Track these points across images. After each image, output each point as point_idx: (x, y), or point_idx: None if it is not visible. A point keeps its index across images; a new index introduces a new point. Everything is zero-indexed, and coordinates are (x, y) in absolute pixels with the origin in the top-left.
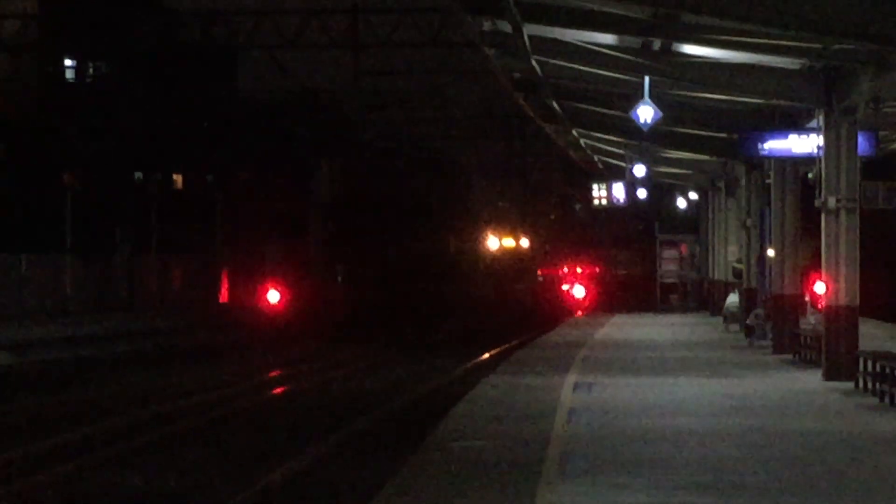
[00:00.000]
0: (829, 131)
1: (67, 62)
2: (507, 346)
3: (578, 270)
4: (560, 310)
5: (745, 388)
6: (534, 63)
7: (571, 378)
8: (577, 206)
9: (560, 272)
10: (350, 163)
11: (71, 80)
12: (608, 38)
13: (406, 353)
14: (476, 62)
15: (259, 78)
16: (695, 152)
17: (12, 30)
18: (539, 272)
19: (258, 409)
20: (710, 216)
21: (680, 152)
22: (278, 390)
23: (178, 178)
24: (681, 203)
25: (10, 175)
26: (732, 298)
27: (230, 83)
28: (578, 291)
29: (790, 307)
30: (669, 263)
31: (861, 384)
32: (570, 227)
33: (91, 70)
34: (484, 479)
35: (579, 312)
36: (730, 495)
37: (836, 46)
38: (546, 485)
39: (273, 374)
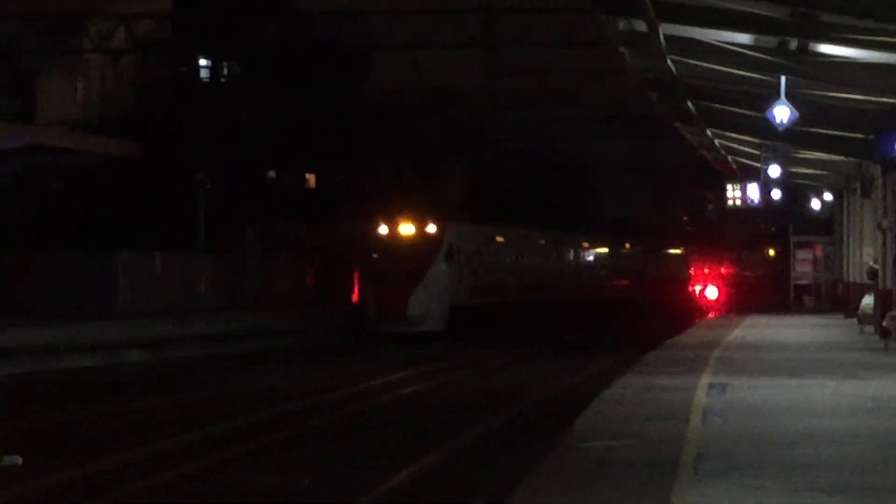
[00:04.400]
0: None
1: (202, 62)
2: (640, 346)
3: (710, 271)
4: (693, 311)
5: (882, 389)
6: (669, 62)
7: (706, 379)
8: (710, 207)
9: (693, 273)
10: (480, 162)
11: (205, 80)
12: (744, 38)
13: (537, 354)
14: (609, 62)
15: (391, 78)
16: (830, 153)
17: (146, 29)
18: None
19: (387, 407)
20: (845, 217)
21: (815, 153)
22: (407, 389)
23: (310, 178)
24: (815, 204)
25: (144, 174)
26: (867, 300)
27: (362, 83)
28: (711, 293)
29: None
30: (803, 265)
31: None
32: (702, 229)
33: (225, 70)
34: (618, 478)
35: (712, 314)
36: (868, 498)
37: None
38: (681, 485)
39: (402, 373)
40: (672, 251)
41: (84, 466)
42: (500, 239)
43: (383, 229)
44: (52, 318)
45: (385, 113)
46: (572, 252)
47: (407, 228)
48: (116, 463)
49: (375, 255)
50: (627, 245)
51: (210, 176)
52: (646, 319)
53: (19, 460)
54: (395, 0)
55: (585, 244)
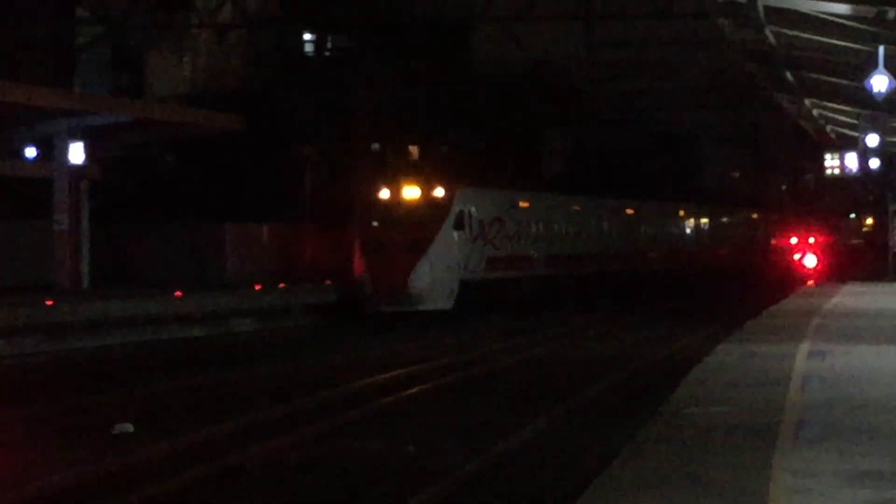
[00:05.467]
0: None
1: (307, 36)
2: (739, 314)
3: (810, 240)
4: (792, 278)
5: None
6: (768, 33)
7: (805, 346)
8: (808, 177)
9: (791, 242)
10: (580, 133)
11: (310, 54)
12: (842, 8)
13: (644, 320)
14: (708, 34)
15: (493, 50)
16: None
17: (254, 5)
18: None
19: (490, 375)
20: None
21: None
22: (509, 359)
23: (413, 150)
24: None
25: (250, 146)
26: None
27: (464, 56)
28: (810, 261)
29: None
30: None
31: None
32: (801, 198)
33: (329, 44)
34: (719, 444)
35: (811, 282)
36: None
37: None
38: (782, 450)
39: (505, 342)
40: (770, 219)
41: (198, 433)
42: (524, 204)
43: (384, 193)
44: (163, 287)
45: (487, 84)
46: (629, 220)
47: (411, 192)
48: (227, 430)
49: (375, 224)
50: (717, 213)
51: (315, 148)
52: (744, 289)
53: (131, 428)
54: None
55: (656, 212)
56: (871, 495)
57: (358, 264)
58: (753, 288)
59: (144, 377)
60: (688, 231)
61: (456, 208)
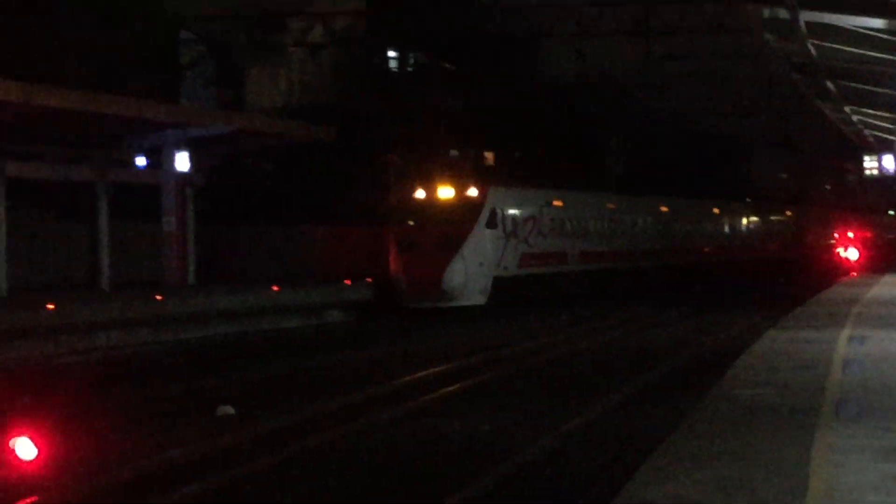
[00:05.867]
0: None
1: (390, 53)
2: (786, 303)
3: (851, 235)
4: (835, 271)
5: None
6: (809, 46)
7: (846, 332)
8: (850, 177)
9: (834, 237)
10: (640, 139)
11: (394, 69)
12: (878, 23)
13: (697, 310)
14: (755, 47)
15: (559, 63)
16: None
17: (343, 26)
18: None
19: (550, 363)
20: None
21: None
22: (576, 346)
23: (489, 155)
24: None
25: (340, 154)
26: None
27: (533, 68)
28: (852, 254)
29: None
30: None
31: None
32: (843, 196)
33: (411, 59)
34: (765, 422)
35: (853, 273)
36: None
37: None
38: (822, 428)
39: (560, 331)
40: (815, 216)
41: (291, 415)
42: (557, 203)
43: (420, 193)
44: (261, 284)
45: (554, 94)
46: (666, 216)
47: (445, 192)
48: (318, 412)
49: (411, 222)
50: (764, 211)
51: (399, 155)
52: (788, 280)
53: (232, 410)
54: None
55: (698, 209)
56: None
57: (393, 262)
58: (799, 279)
59: (245, 364)
60: (736, 228)
61: (489, 207)
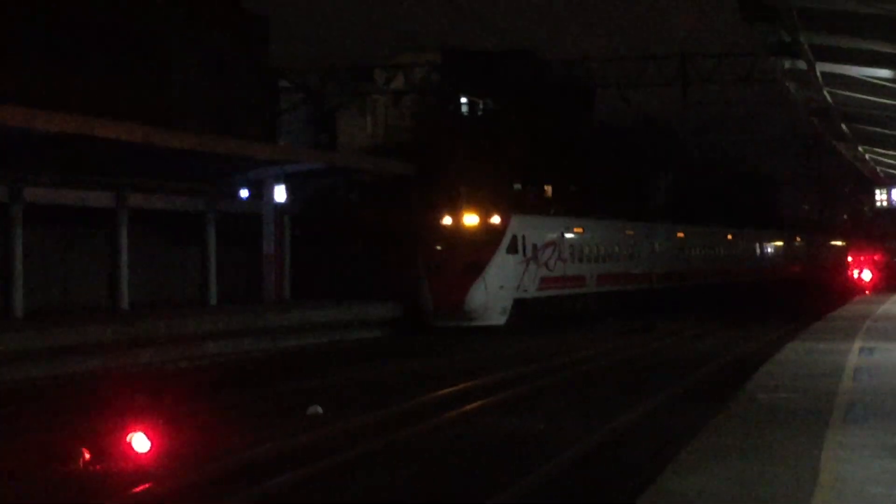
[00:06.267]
0: None
1: (462, 99)
2: (806, 318)
3: (865, 258)
4: (850, 291)
5: None
6: (825, 94)
7: (857, 344)
8: (864, 208)
9: (851, 259)
10: (681, 175)
11: (465, 114)
12: (886, 73)
13: (724, 325)
14: (780, 95)
15: (609, 109)
16: None
17: (421, 76)
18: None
19: (602, 370)
20: None
21: None
22: (619, 355)
23: (548, 188)
24: None
25: (418, 188)
26: None
27: (589, 113)
28: (866, 275)
29: None
30: None
31: None
32: (858, 225)
33: (480, 105)
34: (783, 423)
35: (867, 292)
36: None
37: None
38: (833, 428)
39: (611, 342)
40: (832, 243)
41: (372, 413)
42: (577, 230)
43: (447, 220)
44: (345, 300)
45: (606, 135)
46: (683, 244)
47: (470, 219)
48: (394, 411)
49: (438, 247)
50: (788, 238)
51: (469, 188)
52: (811, 298)
53: (320, 410)
54: (611, 50)
55: (711, 236)
56: None
57: (422, 284)
58: (819, 297)
59: (333, 369)
60: (750, 251)
61: (510, 234)
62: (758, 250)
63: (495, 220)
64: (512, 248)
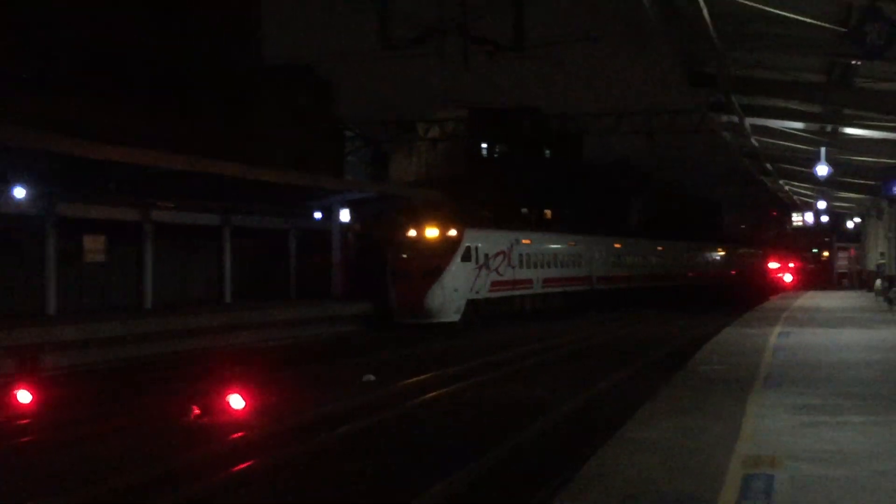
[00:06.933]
0: None
1: (483, 145)
2: (739, 310)
3: (786, 265)
4: (775, 289)
5: (885, 336)
6: (753, 141)
7: (777, 329)
8: (786, 227)
9: (776, 265)
10: (649, 201)
11: (485, 156)
12: (798, 125)
13: (679, 315)
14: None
15: (595, 151)
16: (855, 193)
17: (452, 127)
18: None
19: (591, 347)
20: (867, 231)
21: (846, 193)
22: (604, 336)
23: (548, 212)
24: (849, 224)
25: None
26: (878, 281)
27: (578, 155)
28: (787, 278)
29: None
30: (842, 260)
31: None
32: (781, 239)
33: (497, 150)
34: (718, 388)
35: (786, 290)
36: (870, 400)
37: None
38: (755, 392)
39: (596, 328)
40: (761, 252)
41: (410, 380)
42: (526, 241)
43: (412, 233)
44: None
45: (591, 171)
46: (621, 252)
47: (431, 232)
48: (428, 377)
49: (404, 255)
50: (726, 249)
51: (489, 212)
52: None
53: (373, 378)
54: (596, 106)
55: (644, 245)
56: (806, 419)
57: (389, 287)
58: (749, 294)
59: (381, 348)
60: (693, 259)
61: (464, 245)
62: (691, 258)
63: (452, 233)
64: (466, 257)
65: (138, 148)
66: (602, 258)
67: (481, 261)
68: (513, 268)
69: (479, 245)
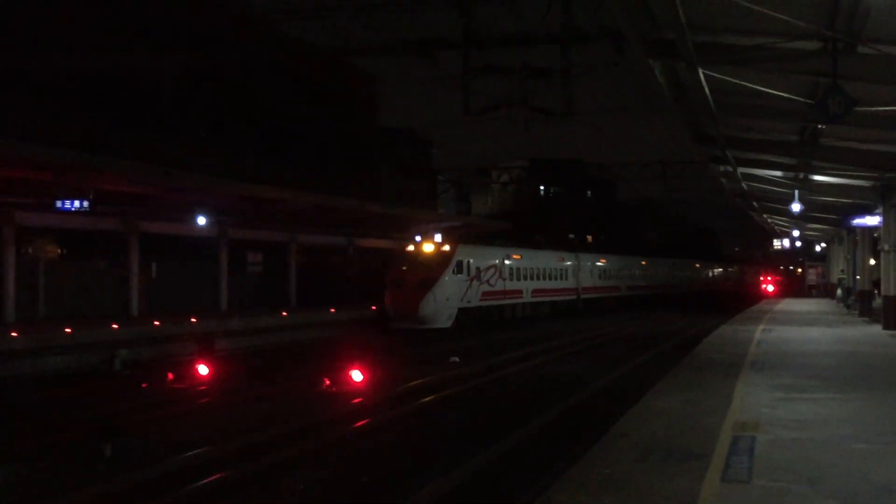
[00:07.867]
0: (885, 214)
1: (541, 187)
2: (732, 312)
3: (769, 278)
4: (760, 297)
5: (844, 332)
6: (743, 185)
7: (761, 326)
8: (770, 250)
9: (762, 279)
10: (664, 230)
11: (543, 195)
12: (778, 173)
13: (683, 315)
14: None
15: (624, 192)
16: (822, 224)
17: (517, 173)
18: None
19: (616, 338)
20: (831, 253)
21: (815, 224)
22: (627, 330)
23: (589, 237)
24: (818, 247)
25: (515, 237)
26: (839, 291)
27: (612, 195)
28: (770, 288)
29: (868, 296)
30: (812, 276)
31: None
32: (766, 260)
33: (552, 191)
34: (714, 371)
35: (770, 297)
36: (835, 381)
37: (887, 174)
38: (744, 373)
39: (613, 325)
40: (751, 269)
41: (487, 361)
42: (516, 256)
43: (411, 248)
44: None
45: (622, 208)
46: (608, 267)
47: (427, 247)
48: (501, 359)
49: (403, 268)
50: (722, 267)
51: (544, 237)
52: (736, 301)
53: (457, 359)
54: (627, 157)
55: (627, 262)
56: (783, 395)
57: (387, 295)
58: (740, 301)
59: (457, 338)
60: (660, 273)
61: (457, 258)
62: (677, 272)
63: (446, 248)
64: (458, 269)
65: (287, 189)
66: (587, 272)
67: (472, 273)
68: (503, 280)
69: (472, 259)
